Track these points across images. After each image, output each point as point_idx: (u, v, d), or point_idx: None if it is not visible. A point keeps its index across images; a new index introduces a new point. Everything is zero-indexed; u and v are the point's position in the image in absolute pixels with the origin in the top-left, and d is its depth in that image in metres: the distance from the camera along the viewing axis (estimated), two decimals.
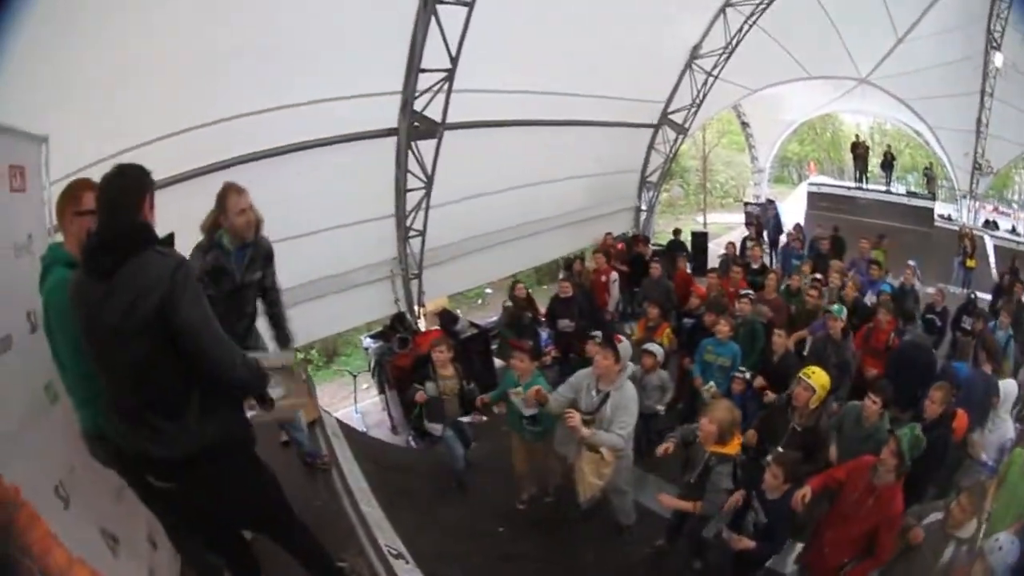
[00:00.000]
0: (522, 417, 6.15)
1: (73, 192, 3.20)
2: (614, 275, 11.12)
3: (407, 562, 5.08)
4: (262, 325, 4.81)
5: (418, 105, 9.03)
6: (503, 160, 11.24)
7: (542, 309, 10.49)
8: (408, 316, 11.03)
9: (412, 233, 10.53)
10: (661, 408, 7.22)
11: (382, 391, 11.34)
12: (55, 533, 2.72)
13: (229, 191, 4.28)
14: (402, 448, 9.66)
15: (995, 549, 3.83)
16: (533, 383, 6.00)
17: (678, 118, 14.72)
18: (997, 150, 15.91)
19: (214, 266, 4.28)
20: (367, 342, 11.53)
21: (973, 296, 11.17)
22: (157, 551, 3.87)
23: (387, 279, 10.80)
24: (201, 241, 4.34)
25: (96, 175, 2.92)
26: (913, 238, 15.77)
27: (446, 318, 11.36)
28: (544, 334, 10.41)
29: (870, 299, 9.53)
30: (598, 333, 5.52)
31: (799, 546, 5.60)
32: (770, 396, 6.95)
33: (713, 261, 13.85)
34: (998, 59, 13.95)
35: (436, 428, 6.82)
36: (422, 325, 11.19)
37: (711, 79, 13.93)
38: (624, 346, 5.62)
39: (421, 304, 11.30)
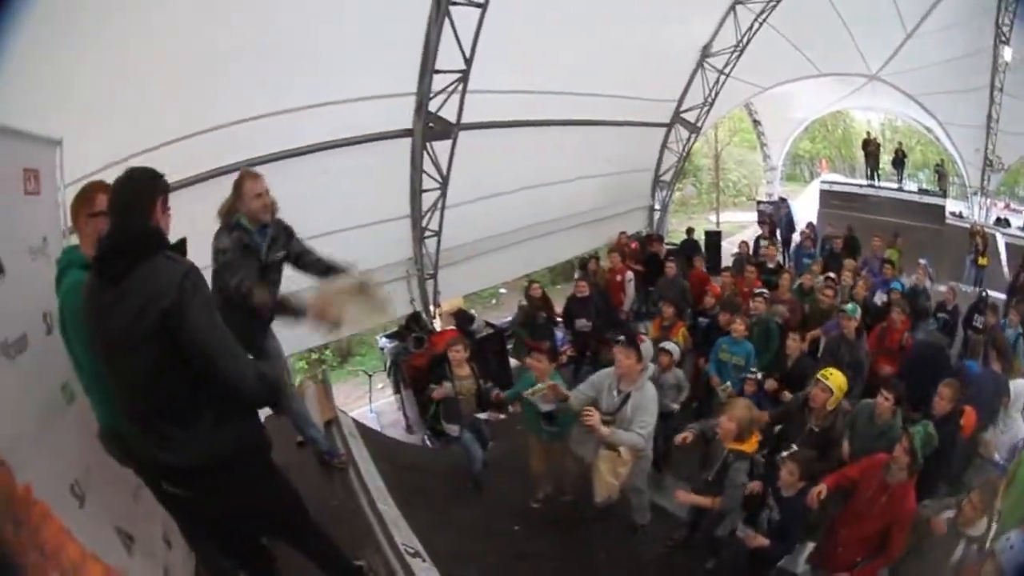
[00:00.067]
0: (539, 416, 6.16)
1: (87, 194, 3.21)
2: (629, 274, 11.14)
3: (424, 560, 5.07)
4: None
5: (433, 106, 9.08)
6: (518, 160, 11.26)
7: (558, 309, 10.53)
8: (424, 316, 11.06)
9: (428, 233, 10.57)
10: (676, 407, 7.21)
11: (397, 391, 11.37)
12: (69, 529, 2.71)
13: (245, 177, 4.37)
14: (418, 447, 9.68)
15: (1006, 548, 3.88)
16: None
17: (690, 117, 14.72)
18: (1008, 146, 15.76)
19: (240, 243, 4.32)
20: (383, 342, 11.54)
21: (985, 294, 11.09)
22: (172, 550, 3.88)
23: (403, 279, 10.83)
24: (221, 225, 4.39)
25: (101, 178, 2.97)
26: (925, 236, 15.63)
27: (461, 318, 11.41)
28: (559, 334, 10.48)
29: (880, 298, 9.55)
30: (621, 337, 5.51)
31: (811, 546, 5.63)
32: (787, 396, 6.98)
33: (727, 260, 13.83)
34: (1007, 53, 13.84)
35: (453, 429, 6.83)
36: (437, 325, 11.20)
37: (723, 77, 13.93)
38: (646, 346, 5.67)
39: (437, 304, 11.34)
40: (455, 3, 7.98)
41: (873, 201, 18.00)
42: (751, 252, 12.49)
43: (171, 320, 2.62)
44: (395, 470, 6.98)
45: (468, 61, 8.61)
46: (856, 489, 5.04)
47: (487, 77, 9.13)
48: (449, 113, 9.19)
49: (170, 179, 2.94)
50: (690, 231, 15.02)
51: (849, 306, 7.84)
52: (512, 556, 6.18)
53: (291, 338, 5.50)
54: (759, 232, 14.98)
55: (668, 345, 7.27)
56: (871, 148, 19.63)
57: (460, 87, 8.91)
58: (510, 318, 12.07)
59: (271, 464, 3.25)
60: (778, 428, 6.27)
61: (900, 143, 20.16)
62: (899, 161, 19.19)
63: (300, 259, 4.61)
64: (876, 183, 19.24)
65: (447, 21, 8.11)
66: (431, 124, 9.28)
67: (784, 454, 5.18)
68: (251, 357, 3.01)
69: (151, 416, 2.80)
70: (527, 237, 12.46)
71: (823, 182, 20.47)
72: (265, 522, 3.40)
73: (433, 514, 6.51)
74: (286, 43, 7.30)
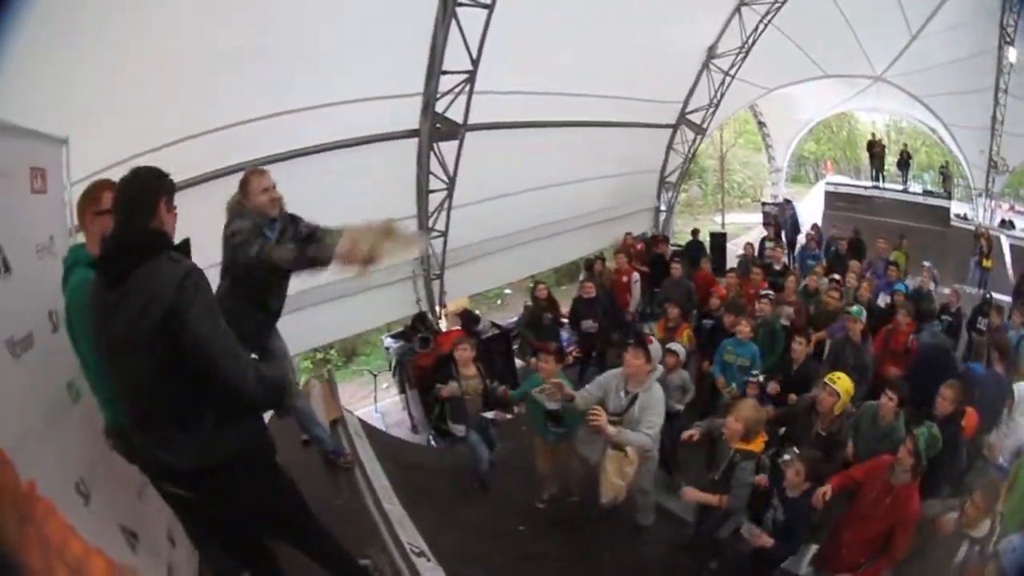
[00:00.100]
0: (545, 417, 6.17)
1: (93, 193, 3.21)
2: (635, 275, 11.13)
3: (429, 560, 5.08)
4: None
5: (439, 107, 9.11)
6: (524, 161, 11.25)
7: (564, 310, 10.56)
8: (429, 316, 11.09)
9: (434, 234, 10.54)
10: (680, 408, 7.23)
11: (402, 391, 11.41)
12: (73, 526, 2.72)
13: (251, 175, 4.35)
14: (423, 447, 9.71)
15: (1009, 551, 3.91)
16: None
17: (696, 118, 14.72)
18: (1013, 147, 15.68)
19: (255, 226, 4.23)
20: (388, 342, 11.61)
21: (989, 296, 11.10)
22: (176, 548, 3.91)
23: (409, 279, 10.87)
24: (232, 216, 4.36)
25: (102, 177, 2.98)
26: (929, 238, 15.67)
27: (467, 318, 11.42)
28: (565, 335, 10.50)
29: (883, 300, 9.55)
30: (631, 340, 5.53)
31: (814, 548, 5.65)
32: (792, 399, 6.99)
33: (732, 261, 13.85)
34: (1012, 54, 13.83)
35: (459, 429, 6.84)
36: (443, 325, 11.23)
37: (728, 79, 13.94)
38: (655, 348, 5.70)
39: (443, 304, 11.37)
40: (462, 4, 8.01)
41: (878, 203, 17.96)
42: (756, 254, 12.46)
43: (172, 321, 2.62)
44: (400, 469, 7.00)
45: (475, 62, 8.64)
46: (860, 490, 5.05)
47: (493, 78, 9.17)
48: (456, 114, 9.23)
49: (174, 179, 2.94)
50: (695, 232, 15.00)
51: (855, 308, 7.82)
52: (517, 556, 6.20)
53: (296, 337, 5.54)
54: (764, 233, 14.93)
55: (674, 346, 7.30)
56: (876, 150, 19.58)
57: (467, 88, 8.95)
58: (515, 319, 12.13)
59: (274, 466, 3.24)
60: (783, 430, 6.30)
61: (905, 144, 20.20)
62: (904, 163, 19.17)
63: (312, 236, 4.49)
64: (881, 185, 19.19)
65: (454, 22, 8.14)
66: (438, 125, 9.30)
67: (786, 457, 5.19)
68: (255, 356, 2.99)
69: (153, 417, 2.80)
70: (533, 238, 12.45)
71: (828, 183, 20.40)
72: (268, 523, 3.39)
73: (438, 514, 6.53)
74: (291, 44, 7.32)
